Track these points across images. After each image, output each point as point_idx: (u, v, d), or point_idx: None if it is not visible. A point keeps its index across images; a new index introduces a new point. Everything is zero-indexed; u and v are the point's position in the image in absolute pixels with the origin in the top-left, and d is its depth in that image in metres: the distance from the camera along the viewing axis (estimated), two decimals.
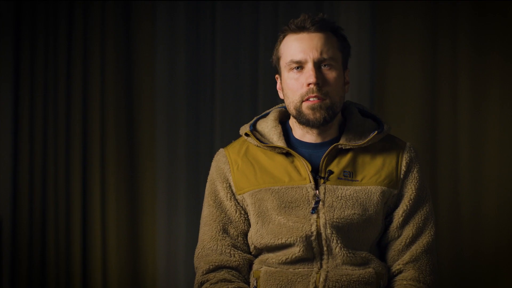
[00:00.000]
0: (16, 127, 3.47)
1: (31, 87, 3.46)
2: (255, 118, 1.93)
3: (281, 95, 1.88)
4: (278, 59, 1.85)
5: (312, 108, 1.77)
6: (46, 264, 3.46)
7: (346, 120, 1.87)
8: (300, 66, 1.78)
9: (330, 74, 1.78)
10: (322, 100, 1.77)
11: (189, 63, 3.51)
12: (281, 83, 1.87)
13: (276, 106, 1.95)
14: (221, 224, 1.86)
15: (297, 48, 1.79)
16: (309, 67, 1.77)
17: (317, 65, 1.77)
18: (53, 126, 3.48)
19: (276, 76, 1.89)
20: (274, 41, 3.39)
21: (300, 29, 1.79)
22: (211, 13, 3.49)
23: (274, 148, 1.82)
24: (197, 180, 3.51)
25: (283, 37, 1.83)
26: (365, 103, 3.22)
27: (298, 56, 1.78)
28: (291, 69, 1.80)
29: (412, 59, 3.23)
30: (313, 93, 1.76)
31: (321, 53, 1.77)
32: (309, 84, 1.77)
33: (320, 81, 1.76)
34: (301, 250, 1.78)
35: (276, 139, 1.84)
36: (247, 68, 3.48)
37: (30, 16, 3.44)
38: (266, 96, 3.43)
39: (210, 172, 1.90)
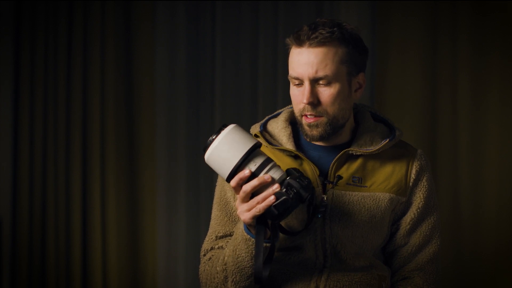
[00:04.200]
0: (16, 127, 3.48)
1: (31, 87, 3.46)
2: (266, 118, 1.91)
3: None
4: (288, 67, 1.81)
5: (309, 126, 1.76)
6: (46, 264, 3.46)
7: (358, 124, 1.85)
8: (299, 81, 1.75)
9: (327, 91, 1.73)
10: (319, 117, 1.75)
11: (189, 63, 3.51)
12: None
13: (289, 106, 1.91)
14: (226, 228, 1.86)
15: (295, 64, 1.74)
16: (305, 85, 1.73)
17: (313, 83, 1.73)
18: (53, 126, 3.48)
19: None
20: (274, 41, 3.43)
21: (299, 43, 1.73)
22: (211, 13, 3.49)
23: (283, 150, 1.81)
24: (197, 180, 3.51)
25: (290, 47, 1.77)
26: (365, 103, 3.22)
27: (295, 73, 1.74)
28: (293, 83, 1.76)
29: (412, 59, 3.23)
30: (308, 111, 1.74)
31: (316, 71, 1.72)
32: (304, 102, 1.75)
33: (315, 100, 1.73)
34: (305, 252, 1.78)
35: (286, 140, 1.82)
36: (247, 68, 3.48)
37: (30, 16, 3.44)
38: (266, 96, 3.43)
39: None
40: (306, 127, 1.76)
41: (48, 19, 3.46)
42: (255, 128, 1.87)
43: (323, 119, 1.75)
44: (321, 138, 1.77)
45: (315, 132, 1.76)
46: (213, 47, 3.49)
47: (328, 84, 1.73)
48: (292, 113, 1.88)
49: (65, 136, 3.47)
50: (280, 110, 1.91)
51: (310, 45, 1.72)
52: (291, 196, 1.62)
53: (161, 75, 3.50)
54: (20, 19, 3.45)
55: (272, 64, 3.43)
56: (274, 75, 3.43)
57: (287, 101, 1.96)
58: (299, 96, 1.75)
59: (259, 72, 3.46)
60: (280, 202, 1.62)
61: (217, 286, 1.78)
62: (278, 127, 1.85)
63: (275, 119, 1.88)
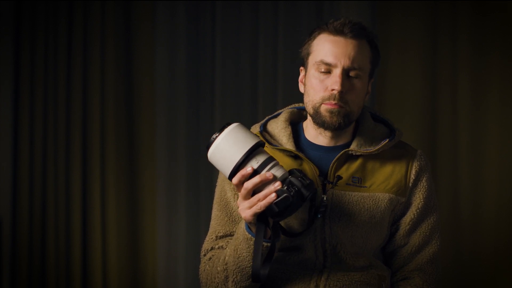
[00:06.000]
0: (16, 127, 3.47)
1: (31, 87, 3.46)
2: (266, 118, 1.91)
3: (301, 89, 1.85)
4: (308, 54, 1.80)
5: (331, 112, 1.76)
6: (46, 264, 3.46)
7: (359, 124, 1.86)
8: (328, 68, 1.76)
9: (356, 84, 1.76)
10: (341, 107, 1.75)
11: (189, 63, 3.51)
12: (304, 77, 1.83)
13: (288, 107, 1.92)
14: (226, 228, 1.86)
15: (330, 51, 1.75)
16: (337, 73, 1.74)
17: (346, 72, 1.75)
18: (53, 126, 3.48)
19: (301, 68, 1.84)
20: (274, 41, 3.43)
21: (338, 32, 1.76)
22: (211, 13, 3.49)
23: (283, 150, 1.82)
24: (197, 180, 3.51)
25: (318, 34, 1.79)
26: (365, 103, 3.22)
27: (329, 59, 1.75)
28: (319, 68, 1.77)
29: (412, 59, 3.23)
30: (334, 99, 1.75)
31: (352, 62, 1.75)
32: (333, 90, 1.75)
33: (345, 90, 1.75)
34: (305, 252, 1.78)
35: (286, 140, 1.82)
36: (247, 68, 3.48)
37: (30, 16, 3.44)
38: (266, 96, 3.43)
39: (220, 172, 1.89)
40: (325, 114, 1.76)
41: (48, 19, 3.46)
42: (255, 129, 1.87)
43: (344, 110, 1.76)
44: (338, 127, 1.77)
45: (335, 119, 1.76)
46: (213, 47, 3.49)
47: (358, 77, 1.77)
48: (292, 114, 1.89)
49: (65, 136, 3.47)
50: (280, 111, 1.91)
51: (347, 36, 1.75)
52: (292, 194, 1.62)
53: (161, 75, 3.50)
54: (20, 19, 3.45)
55: (272, 64, 3.43)
56: (274, 75, 3.43)
57: (287, 101, 1.96)
58: (325, 82, 1.76)
59: (259, 72, 3.46)
60: (281, 199, 1.62)
61: (217, 286, 1.78)
62: (278, 127, 1.85)
63: (275, 120, 1.89)
